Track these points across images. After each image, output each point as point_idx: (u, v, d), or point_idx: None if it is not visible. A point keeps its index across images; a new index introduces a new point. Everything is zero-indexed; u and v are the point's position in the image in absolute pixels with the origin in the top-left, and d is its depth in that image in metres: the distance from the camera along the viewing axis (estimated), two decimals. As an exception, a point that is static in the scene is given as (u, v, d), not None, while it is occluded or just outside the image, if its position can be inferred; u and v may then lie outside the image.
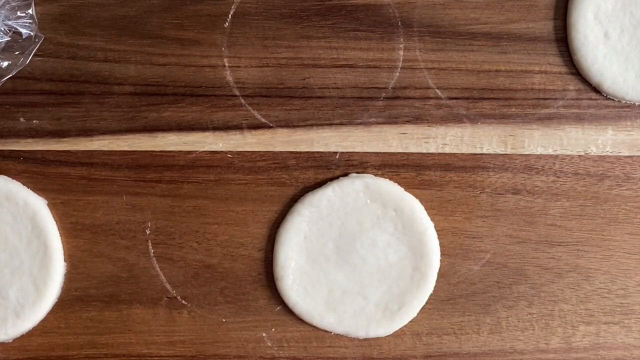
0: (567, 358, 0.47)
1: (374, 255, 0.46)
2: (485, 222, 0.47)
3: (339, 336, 0.47)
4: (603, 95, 0.47)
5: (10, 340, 0.46)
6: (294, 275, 0.46)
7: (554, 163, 0.47)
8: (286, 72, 0.47)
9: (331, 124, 0.47)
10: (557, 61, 0.47)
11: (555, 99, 0.47)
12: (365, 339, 0.46)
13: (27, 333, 0.46)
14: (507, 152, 0.47)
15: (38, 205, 0.46)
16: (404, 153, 0.47)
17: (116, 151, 0.47)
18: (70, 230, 0.47)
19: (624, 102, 0.47)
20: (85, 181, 0.47)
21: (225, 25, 0.47)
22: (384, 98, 0.47)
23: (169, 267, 0.47)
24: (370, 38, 0.47)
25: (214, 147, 0.47)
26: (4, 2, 0.46)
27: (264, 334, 0.47)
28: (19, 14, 0.46)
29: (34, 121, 0.47)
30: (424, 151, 0.47)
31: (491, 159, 0.47)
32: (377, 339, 0.46)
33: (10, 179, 0.46)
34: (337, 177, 0.47)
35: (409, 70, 0.47)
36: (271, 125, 0.47)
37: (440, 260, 0.46)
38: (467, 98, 0.47)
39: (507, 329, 0.47)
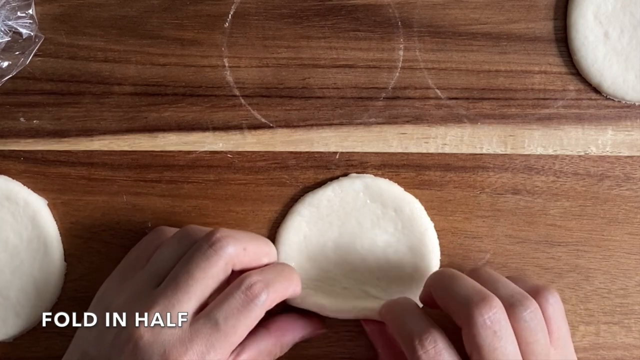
0: (567, 358, 0.47)
1: (374, 255, 0.46)
2: (485, 222, 0.47)
3: (338, 336, 0.47)
4: (603, 95, 0.47)
5: (11, 340, 0.46)
6: (294, 275, 0.46)
7: (554, 163, 0.47)
8: (286, 72, 0.47)
9: (331, 124, 0.47)
10: (557, 61, 0.47)
11: (555, 99, 0.47)
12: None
13: (27, 333, 0.46)
14: (507, 152, 0.47)
15: (38, 205, 0.46)
16: (404, 153, 0.47)
17: (116, 151, 0.47)
18: (70, 230, 0.47)
19: (624, 102, 0.47)
20: (85, 181, 0.47)
21: (225, 25, 0.47)
22: (384, 98, 0.47)
23: (169, 267, 0.47)
24: (370, 38, 0.47)
25: (214, 147, 0.47)
26: (4, 2, 0.46)
27: (264, 334, 0.47)
28: (19, 14, 0.46)
29: (34, 121, 0.47)
30: (424, 151, 0.47)
31: (491, 159, 0.47)
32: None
33: (10, 179, 0.46)
34: (337, 177, 0.47)
35: (409, 70, 0.47)
36: (271, 125, 0.47)
37: (440, 260, 0.46)
38: (467, 98, 0.47)
39: (507, 329, 0.47)
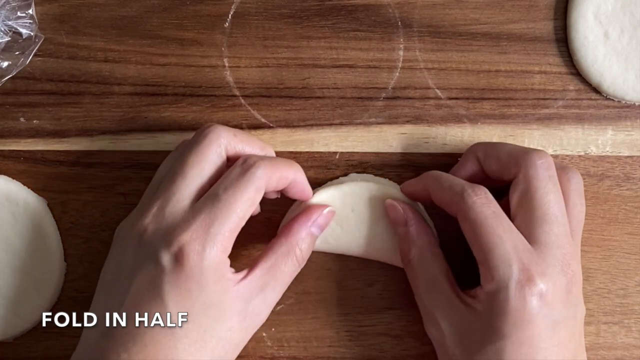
0: (567, 358, 0.47)
1: (374, 254, 0.46)
2: (485, 222, 0.47)
3: (338, 336, 0.47)
4: (603, 95, 0.47)
5: (11, 340, 0.46)
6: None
7: (554, 163, 0.47)
8: (286, 72, 0.47)
9: (331, 124, 0.47)
10: (557, 61, 0.47)
11: (555, 99, 0.47)
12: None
13: (27, 333, 0.46)
14: (507, 152, 0.47)
15: (38, 205, 0.46)
16: (404, 153, 0.47)
17: (116, 151, 0.47)
18: (70, 230, 0.47)
19: (624, 102, 0.47)
20: (85, 181, 0.47)
21: (225, 25, 0.47)
22: (384, 98, 0.47)
23: (169, 267, 0.47)
24: (370, 38, 0.47)
25: (214, 147, 0.47)
26: (4, 2, 0.46)
27: (264, 334, 0.47)
28: (19, 14, 0.46)
29: (34, 121, 0.47)
30: (424, 151, 0.47)
31: (491, 159, 0.47)
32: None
33: (10, 179, 0.46)
34: (337, 177, 0.47)
35: (409, 70, 0.47)
36: (271, 125, 0.47)
37: (440, 260, 0.46)
38: (467, 98, 0.47)
39: (507, 329, 0.47)
